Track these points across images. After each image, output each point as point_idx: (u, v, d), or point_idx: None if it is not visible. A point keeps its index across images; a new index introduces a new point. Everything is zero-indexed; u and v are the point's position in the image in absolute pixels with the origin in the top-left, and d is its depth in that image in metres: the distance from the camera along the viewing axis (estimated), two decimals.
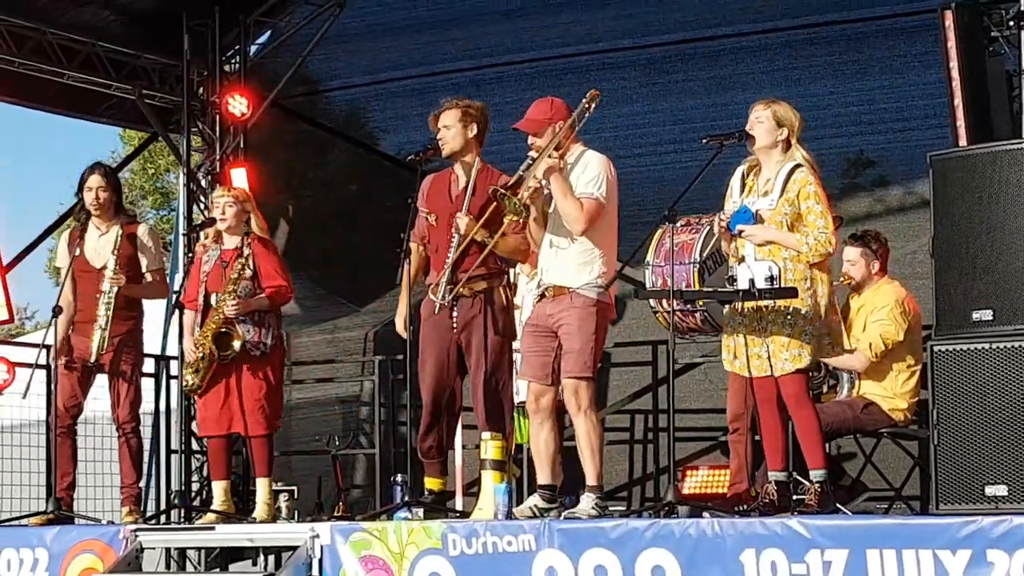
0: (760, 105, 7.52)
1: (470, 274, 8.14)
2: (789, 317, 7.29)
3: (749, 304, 7.37)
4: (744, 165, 7.64)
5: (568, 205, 7.62)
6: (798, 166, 7.40)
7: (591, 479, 7.67)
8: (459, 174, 8.38)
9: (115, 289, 9.28)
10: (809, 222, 7.31)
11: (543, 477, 7.82)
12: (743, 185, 7.57)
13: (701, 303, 8.17)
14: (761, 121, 7.48)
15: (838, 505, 7.51)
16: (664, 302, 8.15)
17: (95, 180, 9.49)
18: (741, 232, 7.41)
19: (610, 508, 10.33)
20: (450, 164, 8.38)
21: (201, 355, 8.93)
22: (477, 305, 8.13)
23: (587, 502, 7.60)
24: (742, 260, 7.42)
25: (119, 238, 9.35)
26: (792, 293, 7.23)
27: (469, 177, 8.27)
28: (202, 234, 9.43)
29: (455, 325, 8.24)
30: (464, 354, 8.30)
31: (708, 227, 8.37)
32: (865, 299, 8.68)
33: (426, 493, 8.33)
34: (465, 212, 8.12)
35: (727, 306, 7.54)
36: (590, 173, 7.74)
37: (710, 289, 8.07)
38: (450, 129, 8.28)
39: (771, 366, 7.33)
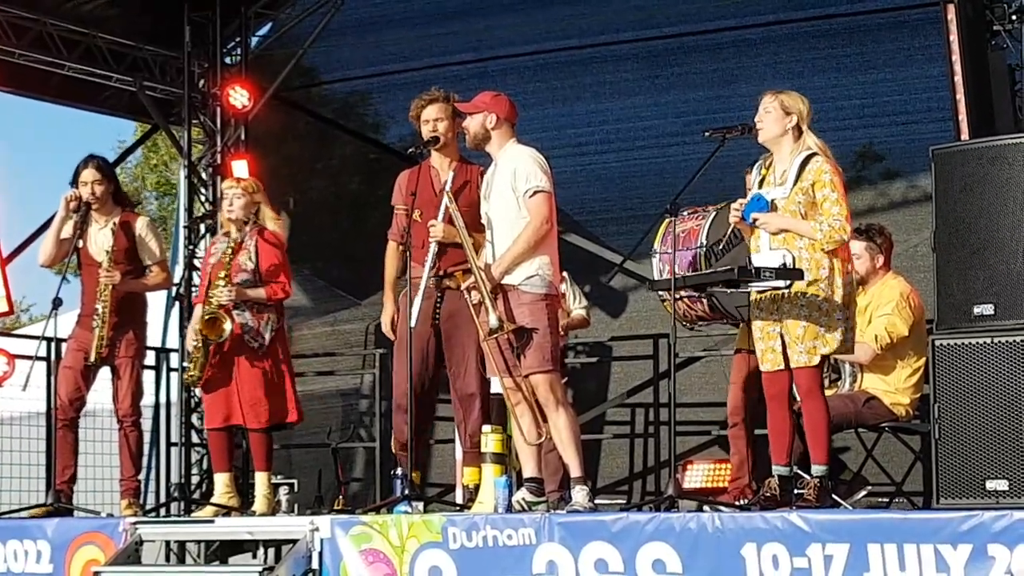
0: (768, 96, 7.50)
1: (454, 269, 8.17)
2: (805, 308, 7.26)
3: (766, 295, 7.35)
4: (760, 161, 7.62)
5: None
6: (813, 155, 7.38)
7: (576, 471, 7.67)
8: (440, 167, 8.40)
9: (109, 287, 9.25)
10: (824, 209, 7.28)
11: (528, 470, 7.82)
12: (761, 179, 7.54)
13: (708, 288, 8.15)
14: (769, 111, 7.46)
15: (837, 499, 7.50)
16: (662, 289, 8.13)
17: (89, 174, 9.45)
18: (755, 221, 7.39)
19: (609, 502, 10.39)
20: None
21: (197, 345, 8.91)
22: (462, 298, 8.12)
23: (581, 494, 7.60)
24: (758, 250, 7.40)
25: (115, 231, 9.32)
26: (798, 275, 7.20)
27: (450, 170, 8.33)
28: (203, 226, 9.40)
29: (438, 317, 8.27)
30: (444, 346, 8.33)
31: (714, 213, 8.34)
32: (872, 295, 8.66)
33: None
34: (442, 218, 8.15)
35: (749, 299, 7.52)
36: (526, 168, 7.73)
37: (711, 272, 8.04)
38: (443, 121, 8.34)
39: (785, 359, 7.31)
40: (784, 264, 7.23)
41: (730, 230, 8.15)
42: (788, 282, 7.25)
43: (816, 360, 7.31)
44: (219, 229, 9.30)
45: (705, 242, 8.30)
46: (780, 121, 7.44)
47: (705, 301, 8.41)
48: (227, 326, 8.84)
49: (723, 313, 8.46)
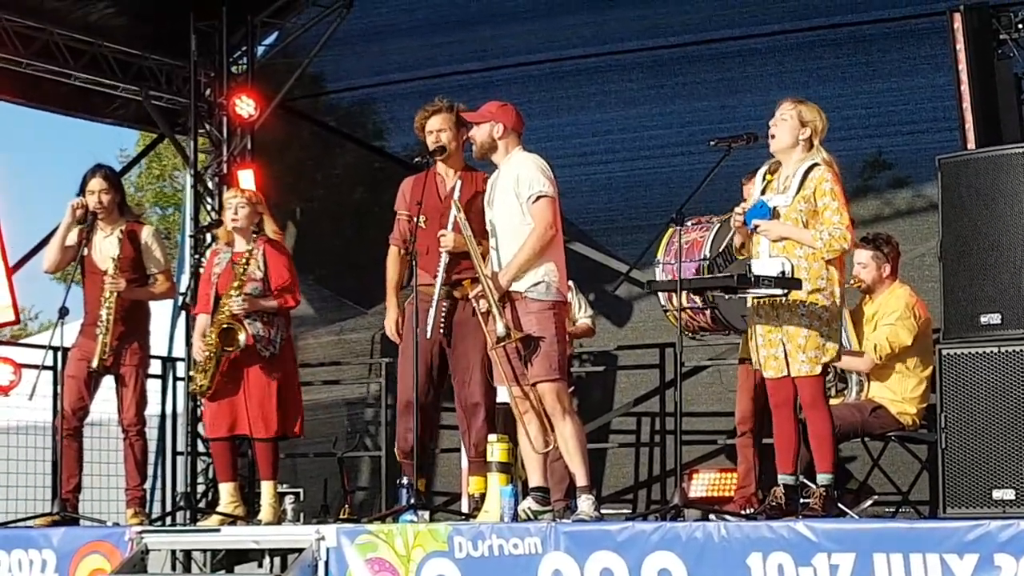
0: (788, 103, 7.48)
1: (462, 277, 8.18)
2: (806, 317, 7.26)
3: (766, 301, 7.34)
4: (765, 166, 7.61)
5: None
6: (816, 164, 7.37)
7: (582, 480, 7.67)
8: (445, 175, 8.42)
9: (114, 294, 9.25)
10: (825, 218, 7.28)
11: (534, 479, 7.82)
12: (764, 184, 7.54)
13: (711, 298, 8.14)
14: (785, 119, 7.44)
15: (843, 508, 7.49)
16: (674, 301, 8.13)
17: (96, 183, 9.46)
18: (757, 227, 7.38)
19: (615, 511, 10.38)
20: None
21: (209, 355, 8.91)
22: (469, 307, 8.12)
23: (587, 503, 7.59)
24: (758, 256, 7.40)
25: (121, 239, 9.33)
26: (796, 284, 7.19)
27: (456, 178, 8.36)
28: (209, 235, 9.40)
29: (445, 326, 8.30)
30: (450, 355, 8.35)
31: (718, 225, 8.35)
32: (878, 304, 8.66)
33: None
34: (451, 227, 8.15)
35: (747, 305, 7.52)
36: (528, 174, 7.74)
37: (711, 276, 8.04)
38: (447, 132, 8.34)
39: (788, 366, 7.31)
40: (783, 272, 7.22)
41: (728, 239, 8.15)
42: (786, 291, 7.25)
43: (818, 369, 7.31)
44: (217, 239, 9.28)
45: (708, 254, 8.30)
46: (794, 131, 7.42)
47: (708, 313, 8.41)
48: (242, 337, 8.85)
49: (725, 325, 8.46)
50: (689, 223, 8.40)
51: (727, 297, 7.91)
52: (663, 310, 8.78)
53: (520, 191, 7.70)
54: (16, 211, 12.84)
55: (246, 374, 8.96)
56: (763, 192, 7.52)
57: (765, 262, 7.32)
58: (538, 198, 7.68)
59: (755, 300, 7.42)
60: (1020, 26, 9.60)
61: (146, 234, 9.56)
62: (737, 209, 7.53)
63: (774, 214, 7.38)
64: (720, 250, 8.34)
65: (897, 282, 8.74)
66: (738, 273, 7.34)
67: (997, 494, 6.68)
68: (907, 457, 9.00)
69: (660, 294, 8.45)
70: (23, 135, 39.43)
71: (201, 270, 12.19)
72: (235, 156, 12.94)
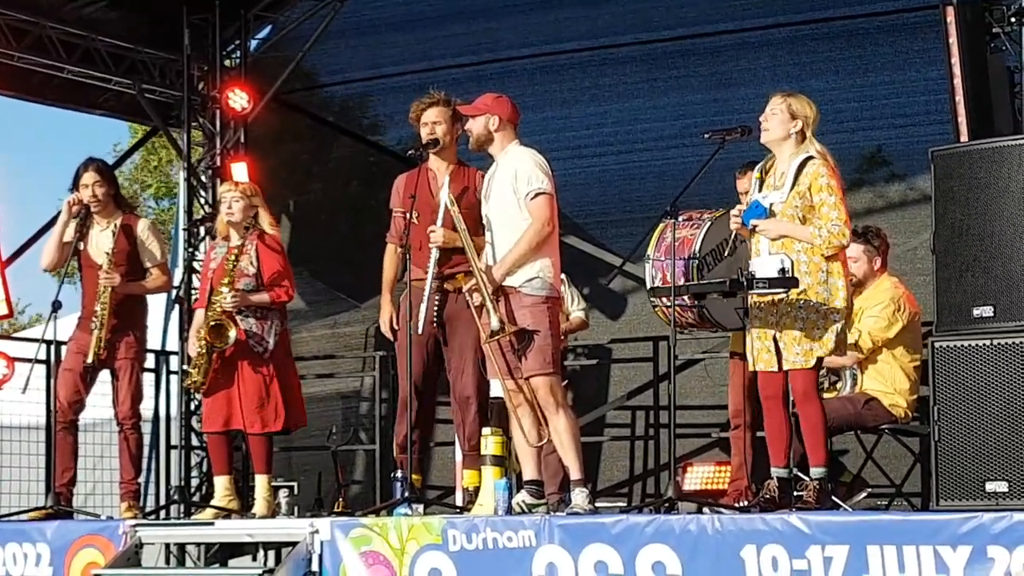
0: (777, 97, 7.51)
1: (455, 271, 8.18)
2: (802, 311, 7.27)
3: (765, 298, 7.35)
4: (761, 163, 7.62)
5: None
6: (810, 158, 7.38)
7: (576, 473, 7.68)
8: (438, 170, 8.41)
9: (108, 289, 9.25)
10: (823, 214, 7.29)
11: (528, 473, 7.82)
12: (761, 182, 7.55)
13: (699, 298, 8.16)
14: (775, 113, 7.46)
15: (837, 501, 7.50)
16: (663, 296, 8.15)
17: (89, 177, 9.46)
18: (755, 227, 7.39)
19: (610, 504, 10.39)
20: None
21: (200, 351, 8.91)
22: (462, 301, 8.13)
23: (581, 496, 7.61)
24: (758, 255, 7.41)
25: (116, 233, 9.33)
26: (792, 283, 7.21)
27: (447, 173, 8.35)
28: (202, 228, 9.39)
29: (438, 320, 8.32)
30: (444, 348, 8.35)
31: (709, 223, 8.36)
32: (866, 297, 8.67)
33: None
34: (441, 223, 8.14)
35: (744, 302, 7.53)
36: (527, 170, 7.73)
37: (707, 282, 8.06)
38: (442, 124, 8.34)
39: (779, 360, 7.31)
40: (783, 269, 7.23)
41: (732, 237, 8.16)
42: (784, 290, 7.26)
43: (811, 363, 7.32)
44: (216, 234, 9.29)
45: (698, 252, 8.32)
46: (785, 124, 7.44)
47: (696, 310, 8.42)
48: (232, 333, 8.85)
49: (712, 322, 8.47)
50: (681, 219, 8.40)
51: (724, 300, 7.92)
52: (652, 306, 8.79)
53: (518, 187, 7.70)
54: (16, 210, 12.84)
55: (240, 369, 8.96)
56: (760, 187, 7.53)
57: (765, 260, 7.34)
58: (536, 195, 7.68)
59: (757, 297, 7.42)
60: (1013, 20, 9.63)
61: (141, 227, 9.55)
62: (733, 212, 7.55)
63: (770, 212, 7.39)
64: (711, 248, 8.34)
65: (885, 275, 8.76)
66: (731, 278, 7.36)
67: (990, 486, 6.70)
68: (900, 450, 9.02)
69: (648, 287, 8.46)
70: (22, 134, 39.37)
71: (196, 264, 12.25)
72: (228, 149, 12.93)
